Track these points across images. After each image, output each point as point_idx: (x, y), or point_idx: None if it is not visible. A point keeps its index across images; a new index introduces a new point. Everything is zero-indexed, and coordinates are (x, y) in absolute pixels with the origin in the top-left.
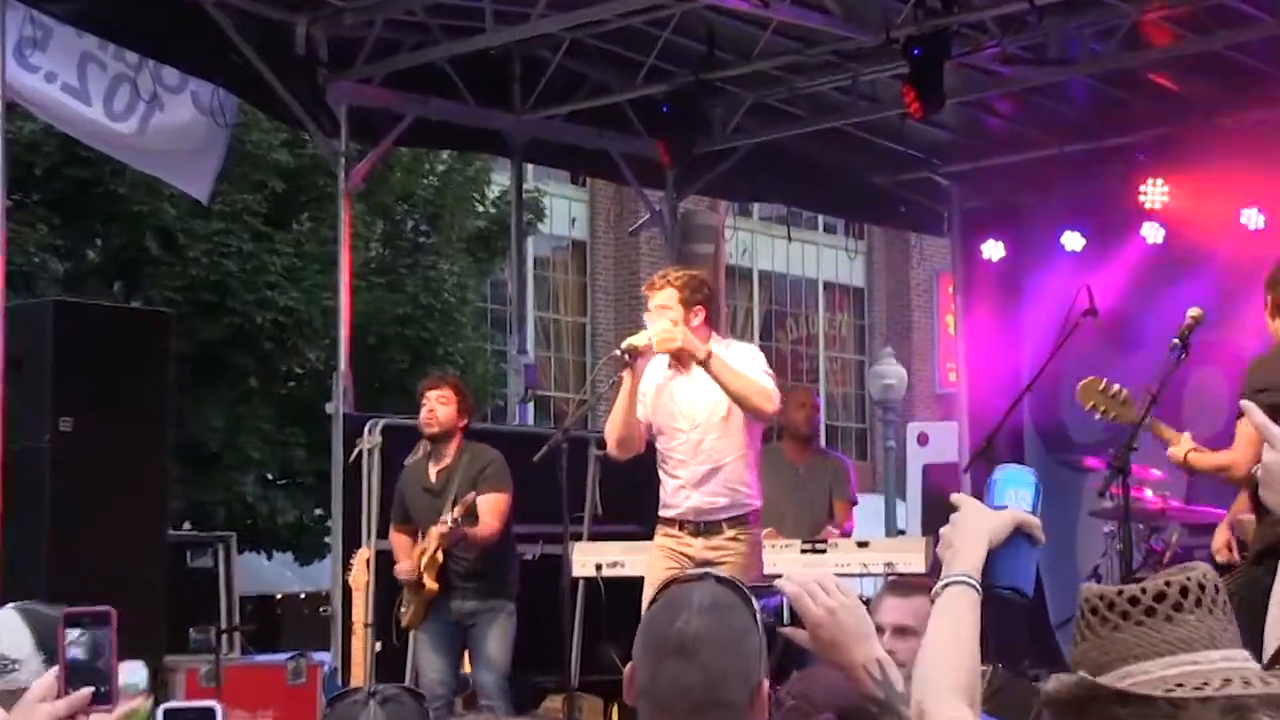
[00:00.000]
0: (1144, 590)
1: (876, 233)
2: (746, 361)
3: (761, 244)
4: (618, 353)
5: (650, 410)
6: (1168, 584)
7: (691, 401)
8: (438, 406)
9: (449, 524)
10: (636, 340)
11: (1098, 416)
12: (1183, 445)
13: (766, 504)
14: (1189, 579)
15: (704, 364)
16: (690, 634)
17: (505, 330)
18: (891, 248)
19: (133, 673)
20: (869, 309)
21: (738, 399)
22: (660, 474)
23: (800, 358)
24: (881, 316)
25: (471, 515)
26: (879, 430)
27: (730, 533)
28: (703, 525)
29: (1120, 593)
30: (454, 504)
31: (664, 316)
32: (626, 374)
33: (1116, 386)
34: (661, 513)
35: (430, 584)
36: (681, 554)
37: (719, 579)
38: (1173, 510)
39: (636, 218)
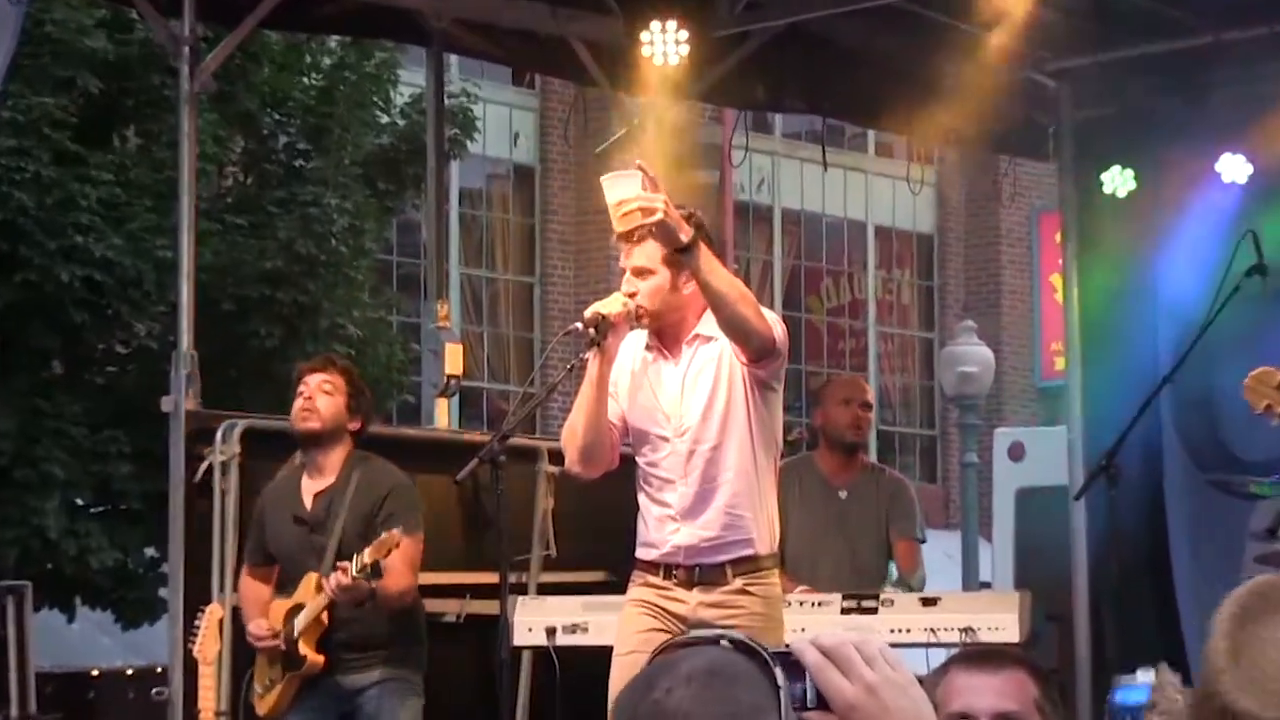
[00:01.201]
0: None
1: (951, 156)
2: None
3: (787, 171)
4: (579, 326)
5: (625, 409)
6: None
7: (678, 397)
8: (319, 395)
9: (352, 575)
10: (606, 307)
11: (1275, 423)
12: None
13: (793, 542)
14: None
15: (685, 251)
16: (669, 709)
17: (418, 293)
18: (973, 177)
19: None
20: (940, 265)
21: (726, 314)
22: (640, 499)
23: (841, 334)
24: (958, 275)
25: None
26: (954, 438)
27: (737, 582)
28: (698, 572)
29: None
30: (338, 544)
31: (645, 282)
32: (593, 356)
33: None
34: (640, 554)
35: (312, 656)
36: (668, 612)
37: (736, 643)
38: None
39: (606, 135)
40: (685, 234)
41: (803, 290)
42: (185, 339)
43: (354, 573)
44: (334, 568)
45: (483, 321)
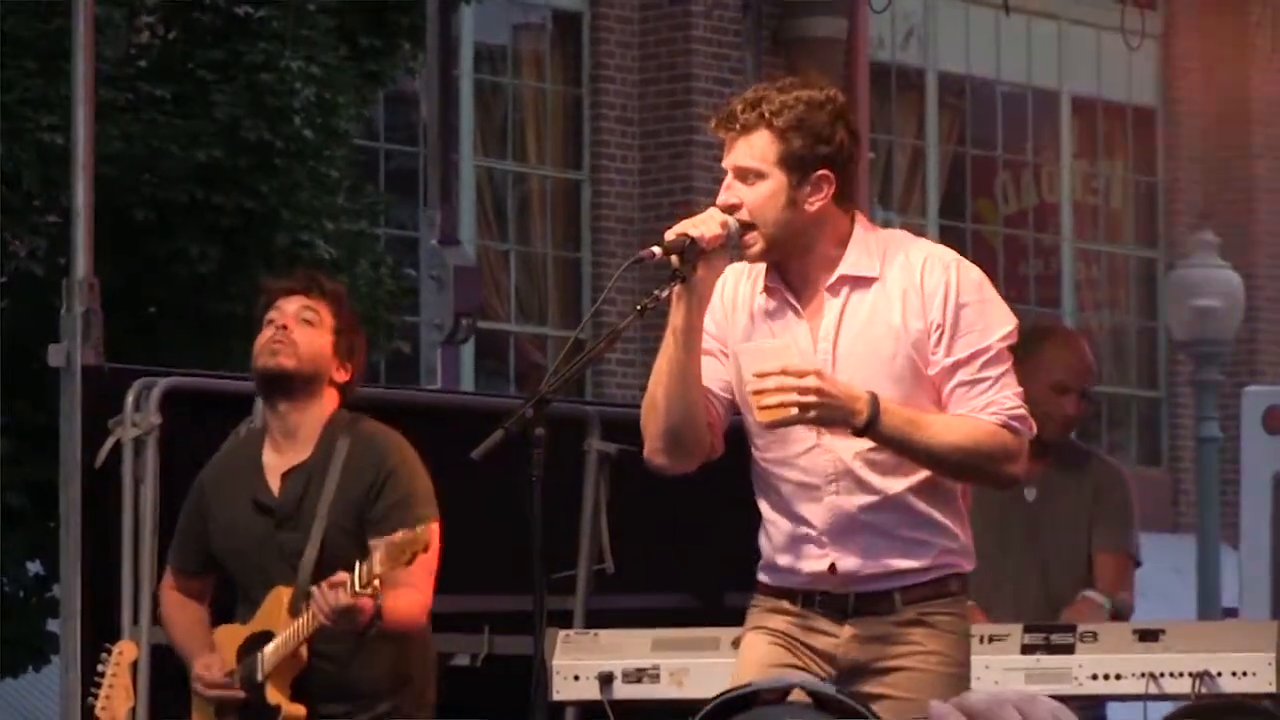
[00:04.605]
0: None
1: None
2: (963, 314)
3: (946, 20)
4: (656, 252)
5: (735, 373)
6: None
7: (822, 361)
8: (298, 326)
9: (354, 590)
10: (696, 227)
11: None
12: None
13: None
14: None
15: (865, 434)
16: None
17: (416, 197)
18: (1215, 26)
19: None
20: (1167, 153)
21: (964, 479)
22: (764, 510)
23: (1023, 253)
24: (1192, 168)
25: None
26: (1185, 402)
27: (909, 611)
28: (854, 600)
29: None
30: (320, 546)
31: (752, 188)
32: (676, 296)
33: None
34: (766, 578)
35: (288, 708)
36: (807, 646)
37: (820, 697)
38: None
39: None
40: (859, 415)
41: (968, 189)
42: (82, 262)
43: (357, 588)
44: (315, 581)
45: (508, 236)
